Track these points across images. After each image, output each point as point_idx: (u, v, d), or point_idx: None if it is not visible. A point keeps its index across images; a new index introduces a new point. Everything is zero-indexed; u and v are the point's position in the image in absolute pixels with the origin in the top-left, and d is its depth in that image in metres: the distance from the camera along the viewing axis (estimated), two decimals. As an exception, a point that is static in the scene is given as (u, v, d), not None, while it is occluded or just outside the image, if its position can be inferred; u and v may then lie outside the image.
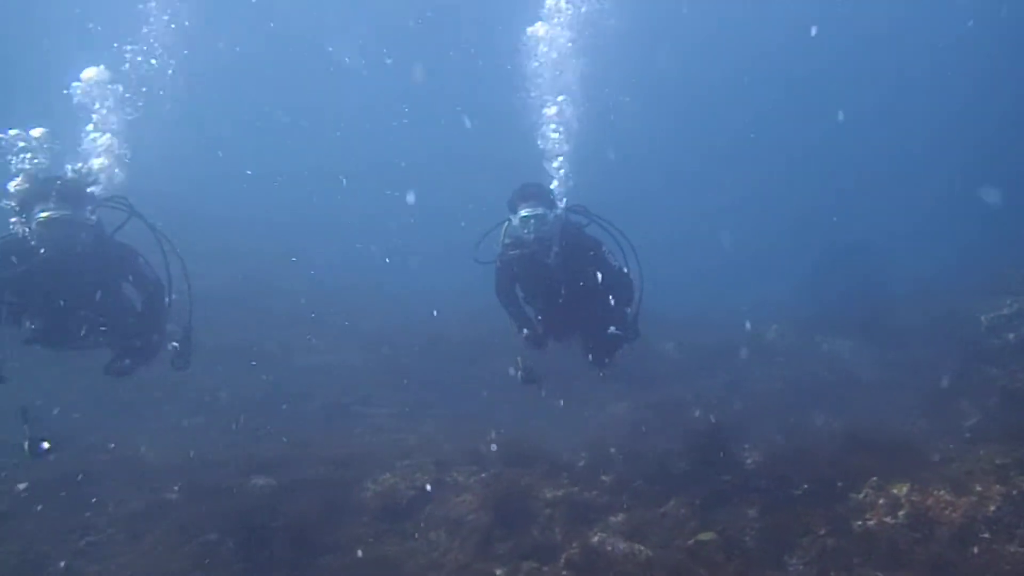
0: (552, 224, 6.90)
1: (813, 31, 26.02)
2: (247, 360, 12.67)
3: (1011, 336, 9.99)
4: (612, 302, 7.17)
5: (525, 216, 6.82)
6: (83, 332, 6.58)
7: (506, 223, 7.16)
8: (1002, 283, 12.38)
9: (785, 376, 11.74)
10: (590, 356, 7.62)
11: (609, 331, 7.23)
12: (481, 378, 11.57)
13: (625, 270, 7.28)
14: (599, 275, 7.00)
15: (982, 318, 10.93)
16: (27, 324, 6.33)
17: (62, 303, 6.32)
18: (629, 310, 7.38)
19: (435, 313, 14.14)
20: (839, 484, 6.76)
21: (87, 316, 6.51)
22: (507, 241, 7.15)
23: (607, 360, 7.48)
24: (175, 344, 6.83)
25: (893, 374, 10.93)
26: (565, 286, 7.09)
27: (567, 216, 7.19)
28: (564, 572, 6.37)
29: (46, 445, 6.00)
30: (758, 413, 9.87)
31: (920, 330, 12.65)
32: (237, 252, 17.38)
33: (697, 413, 10.65)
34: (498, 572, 6.42)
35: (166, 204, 9.01)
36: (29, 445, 5.97)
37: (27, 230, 6.06)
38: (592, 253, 7.07)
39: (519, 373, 7.14)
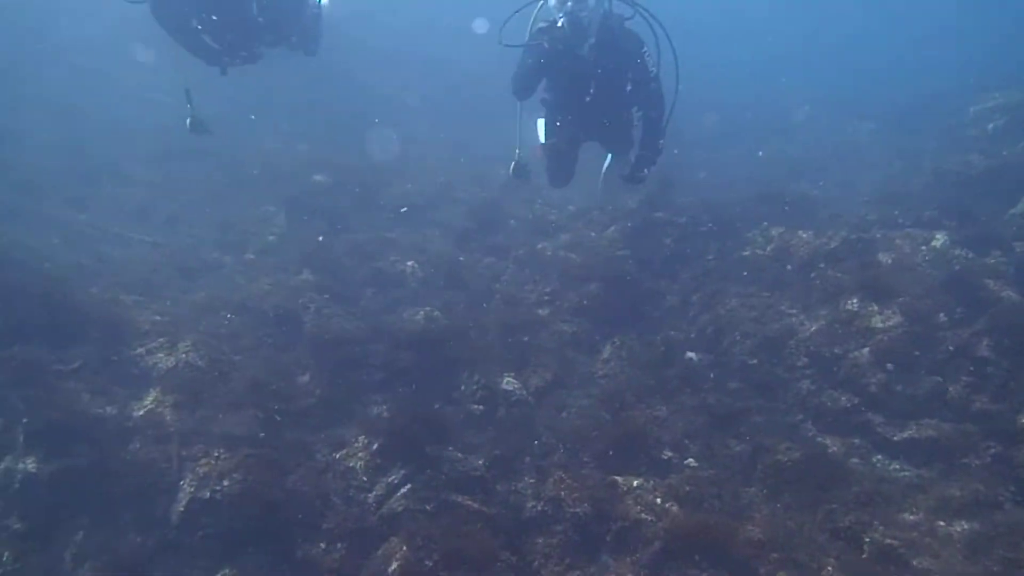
0: (593, 10, 5.92)
1: None
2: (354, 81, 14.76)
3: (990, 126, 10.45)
4: (637, 117, 6.53)
5: None
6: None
7: (540, 3, 6.20)
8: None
9: (798, 152, 12.73)
10: (612, 166, 7.45)
11: (633, 158, 6.70)
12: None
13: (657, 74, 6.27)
14: (632, 81, 6.20)
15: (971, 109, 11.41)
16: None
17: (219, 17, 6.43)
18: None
19: None
20: (737, 225, 8.37)
21: (254, 24, 6.63)
22: (540, 25, 6.13)
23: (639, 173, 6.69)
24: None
25: (891, 154, 11.74)
26: (595, 85, 6.23)
27: (610, 4, 6.17)
28: (511, 265, 8.56)
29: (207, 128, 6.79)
30: (743, 177, 11.15)
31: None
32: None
33: (703, 176, 12.07)
34: (462, 258, 8.66)
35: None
36: (191, 122, 6.74)
37: None
38: (631, 52, 6.12)
39: (512, 166, 6.77)
